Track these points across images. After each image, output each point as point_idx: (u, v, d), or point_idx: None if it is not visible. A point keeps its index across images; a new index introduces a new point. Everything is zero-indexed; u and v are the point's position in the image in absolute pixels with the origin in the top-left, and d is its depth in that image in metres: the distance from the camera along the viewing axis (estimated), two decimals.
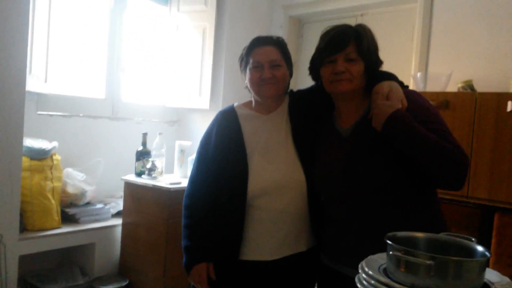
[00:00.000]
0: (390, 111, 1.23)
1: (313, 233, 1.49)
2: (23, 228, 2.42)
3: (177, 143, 3.04)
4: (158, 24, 3.44)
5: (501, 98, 2.38)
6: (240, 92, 3.37)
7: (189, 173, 2.86)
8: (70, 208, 2.72)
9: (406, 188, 1.28)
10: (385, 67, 1.45)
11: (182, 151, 2.98)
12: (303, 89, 1.64)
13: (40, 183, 2.50)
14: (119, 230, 2.83)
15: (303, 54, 3.66)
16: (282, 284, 1.50)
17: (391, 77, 1.40)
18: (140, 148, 2.84)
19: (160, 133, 2.93)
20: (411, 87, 3.03)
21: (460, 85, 2.71)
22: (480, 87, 2.68)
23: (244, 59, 1.56)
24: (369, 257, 0.86)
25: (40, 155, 2.52)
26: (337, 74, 1.33)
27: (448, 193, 2.21)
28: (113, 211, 2.92)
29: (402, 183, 1.27)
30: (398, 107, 1.25)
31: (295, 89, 1.67)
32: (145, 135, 2.87)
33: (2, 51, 2.18)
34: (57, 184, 2.62)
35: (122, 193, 3.11)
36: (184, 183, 2.67)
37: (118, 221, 2.84)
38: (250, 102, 1.63)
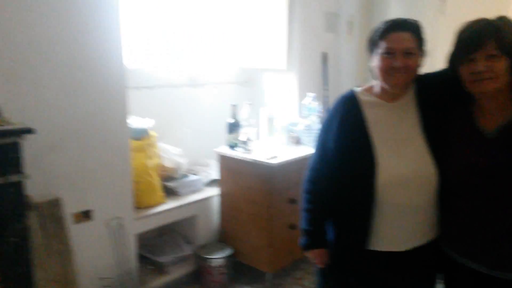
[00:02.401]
0: None
1: (438, 224, 1.47)
2: (135, 207, 2.50)
3: (264, 110, 2.98)
4: None
5: None
6: (316, 51, 3.30)
7: (277, 141, 2.92)
8: (169, 182, 2.78)
9: None
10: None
11: (270, 119, 2.93)
12: (431, 72, 1.51)
13: (143, 162, 2.55)
14: (216, 201, 2.89)
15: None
16: (407, 275, 1.50)
17: None
18: (231, 120, 2.81)
19: (248, 104, 2.87)
20: None
21: None
22: None
23: (375, 42, 1.44)
24: None
25: (141, 135, 2.54)
26: (477, 74, 1.25)
27: None
28: (206, 180, 2.98)
29: None
30: None
31: None
32: (234, 106, 2.82)
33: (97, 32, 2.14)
34: (157, 160, 2.67)
35: (209, 162, 3.16)
36: (280, 155, 2.67)
37: (213, 191, 2.90)
38: (372, 87, 1.53)
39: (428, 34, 1.50)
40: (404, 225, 1.43)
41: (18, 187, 1.69)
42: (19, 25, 1.85)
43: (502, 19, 1.28)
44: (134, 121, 2.52)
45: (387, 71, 1.40)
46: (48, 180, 2.03)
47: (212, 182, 2.97)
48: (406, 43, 1.38)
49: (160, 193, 2.65)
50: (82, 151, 2.15)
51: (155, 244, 2.80)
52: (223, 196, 2.85)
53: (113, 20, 2.19)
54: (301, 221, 1.60)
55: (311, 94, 3.05)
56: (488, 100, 1.32)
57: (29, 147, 1.73)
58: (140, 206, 2.54)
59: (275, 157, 2.63)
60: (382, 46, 1.40)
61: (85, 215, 2.20)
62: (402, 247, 1.45)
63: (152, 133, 2.64)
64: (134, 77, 2.65)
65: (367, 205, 1.42)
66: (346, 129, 1.48)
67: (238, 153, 2.74)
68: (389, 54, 1.39)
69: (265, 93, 3.43)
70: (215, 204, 2.90)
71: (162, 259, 2.66)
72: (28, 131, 1.65)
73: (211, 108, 3.18)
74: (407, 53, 1.38)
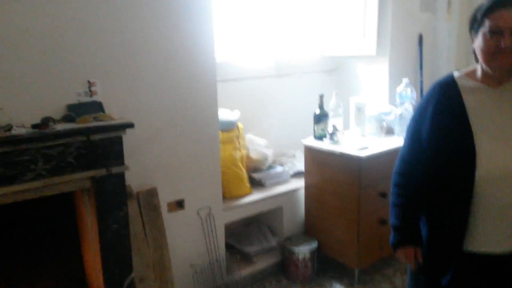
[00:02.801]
0: None
1: None
2: (222, 197, 2.56)
3: (352, 99, 2.86)
4: None
5: None
6: (411, 34, 3.07)
7: (367, 131, 2.79)
8: (256, 173, 2.81)
9: None
10: None
11: (359, 108, 2.80)
12: None
13: (231, 153, 2.59)
14: (302, 193, 2.86)
15: None
16: (507, 282, 1.35)
17: None
18: (318, 110, 2.73)
19: (336, 94, 2.77)
20: None
21: None
22: None
23: (478, 20, 1.29)
24: None
25: (229, 127, 2.58)
26: None
27: None
28: (291, 172, 2.95)
29: None
30: None
31: None
32: (321, 97, 2.73)
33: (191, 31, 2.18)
34: (243, 152, 2.70)
35: (294, 153, 3.13)
36: (371, 146, 2.55)
37: (299, 183, 2.87)
38: (474, 71, 1.37)
39: None
40: (506, 224, 1.30)
41: (120, 178, 1.81)
42: (115, 26, 1.96)
43: None
44: (223, 113, 2.57)
45: (492, 53, 1.26)
46: (144, 171, 2.15)
47: (298, 174, 2.93)
48: None
49: (247, 184, 2.68)
50: (175, 143, 2.24)
51: (242, 234, 2.85)
52: (309, 188, 2.80)
53: (206, 15, 2.23)
54: (391, 217, 1.51)
55: (405, 80, 2.85)
56: None
57: (128, 140, 1.84)
58: (227, 196, 2.59)
59: (365, 148, 2.51)
60: (487, 24, 1.26)
61: (178, 204, 2.29)
62: (502, 249, 1.32)
63: (239, 124, 2.67)
64: (221, 69, 2.69)
65: (465, 200, 1.30)
66: (443, 117, 1.36)
67: (325, 145, 2.66)
68: (495, 33, 1.24)
69: (354, 81, 3.28)
70: (301, 196, 2.86)
71: (249, 249, 2.70)
72: (130, 125, 1.76)
73: (297, 98, 3.13)
74: None
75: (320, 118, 2.74)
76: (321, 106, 2.74)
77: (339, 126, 2.72)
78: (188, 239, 2.35)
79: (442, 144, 1.35)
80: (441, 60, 3.21)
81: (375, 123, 2.79)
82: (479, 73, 1.36)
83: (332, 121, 2.74)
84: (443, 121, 1.36)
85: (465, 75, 1.39)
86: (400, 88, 2.85)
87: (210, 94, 2.33)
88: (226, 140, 2.57)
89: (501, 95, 1.33)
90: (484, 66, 1.32)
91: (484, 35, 1.27)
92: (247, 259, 2.69)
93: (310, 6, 3.15)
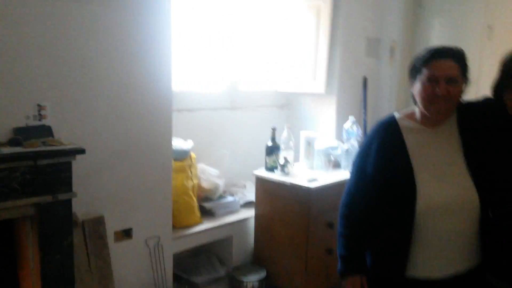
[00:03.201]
0: None
1: (481, 251, 1.43)
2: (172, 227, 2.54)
3: (303, 133, 2.98)
4: (269, 6, 3.30)
5: None
6: (356, 76, 3.29)
7: (315, 164, 2.90)
8: (206, 203, 2.81)
9: None
10: None
11: (308, 142, 2.92)
12: (474, 101, 1.51)
13: (183, 183, 2.59)
14: (252, 222, 2.89)
15: (422, 25, 3.38)
16: None
17: None
18: (270, 143, 2.82)
19: (288, 127, 2.88)
20: None
21: None
22: None
23: (417, 69, 1.44)
24: None
25: (182, 156, 2.59)
26: None
27: None
28: (242, 202, 2.99)
29: None
30: None
31: None
32: (274, 130, 2.84)
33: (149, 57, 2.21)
34: (195, 181, 2.71)
35: (245, 183, 3.17)
36: (319, 178, 2.65)
37: (249, 213, 2.90)
38: (413, 113, 1.52)
39: (474, 60, 1.49)
40: (444, 251, 1.40)
41: (67, 205, 1.76)
42: (70, 47, 1.93)
43: None
44: (176, 143, 2.58)
45: (429, 99, 1.40)
46: (92, 198, 2.09)
47: (249, 204, 2.97)
48: (449, 70, 1.38)
49: (197, 213, 2.68)
50: (127, 171, 2.21)
51: (190, 264, 2.81)
52: (259, 218, 2.84)
53: (165, 45, 2.26)
54: (338, 247, 1.58)
55: (351, 118, 3.02)
56: None
57: (77, 166, 1.80)
58: (177, 226, 2.57)
59: (314, 180, 2.61)
60: (425, 73, 1.40)
61: (126, 234, 2.24)
62: (441, 275, 1.41)
63: (192, 154, 2.69)
64: (177, 99, 2.72)
65: (407, 231, 1.40)
66: (386, 154, 1.47)
67: (276, 176, 2.74)
68: (431, 81, 1.39)
69: (305, 117, 3.43)
70: (251, 225, 2.90)
71: (197, 279, 2.66)
72: (81, 151, 1.73)
73: (250, 131, 3.20)
74: (450, 81, 1.38)
75: (272, 150, 2.83)
76: (273, 139, 2.84)
77: (290, 159, 2.81)
78: (135, 269, 2.28)
79: (385, 179, 1.45)
80: (383, 101, 3.45)
81: (323, 156, 2.92)
82: (417, 115, 1.50)
83: (283, 154, 2.83)
84: (386, 158, 1.47)
85: (405, 116, 1.53)
86: (347, 125, 3.01)
87: (165, 123, 2.34)
88: (179, 169, 2.57)
89: (437, 135, 1.46)
90: (422, 109, 1.45)
91: (422, 83, 1.41)
92: None
93: (266, 43, 3.29)
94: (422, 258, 1.42)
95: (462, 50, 1.43)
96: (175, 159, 2.53)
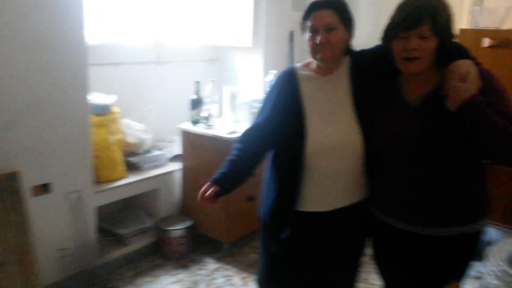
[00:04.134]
0: (466, 96, 1.27)
1: (366, 187, 1.59)
2: (95, 181, 2.57)
3: (227, 88, 3.04)
4: None
5: None
6: (283, 30, 3.33)
7: (240, 117, 2.99)
8: (132, 157, 2.85)
9: (465, 158, 1.38)
10: None
11: (232, 96, 2.99)
12: (366, 49, 1.62)
13: (105, 138, 2.60)
14: (179, 175, 2.98)
15: None
16: (335, 235, 1.61)
17: (463, 51, 1.41)
18: (194, 96, 2.86)
19: (212, 81, 2.92)
20: (467, 23, 2.93)
21: None
22: None
23: (303, 23, 1.55)
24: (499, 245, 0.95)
25: (103, 111, 2.58)
26: (408, 51, 1.34)
27: None
28: (169, 155, 3.05)
29: (463, 153, 1.37)
30: (474, 92, 1.28)
31: None
32: (197, 83, 2.87)
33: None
34: (119, 136, 2.72)
35: (173, 138, 3.22)
36: (240, 130, 2.75)
37: (176, 166, 2.98)
38: (310, 62, 1.63)
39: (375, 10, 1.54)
40: (330, 188, 1.54)
41: None
42: None
43: (438, 0, 1.36)
44: (96, 97, 2.56)
45: (313, 48, 1.51)
46: (6, 154, 2.07)
47: (176, 157, 3.04)
48: (326, 19, 1.48)
49: (122, 167, 2.72)
50: (41, 126, 2.18)
51: (117, 218, 2.88)
52: (186, 170, 2.93)
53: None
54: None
55: (273, 72, 3.11)
56: (415, 75, 1.41)
57: None
58: (101, 180, 2.60)
59: (234, 132, 2.71)
60: (307, 25, 1.51)
61: (44, 188, 2.26)
62: (326, 209, 1.56)
63: (115, 109, 2.68)
64: (97, 53, 2.67)
65: (297, 169, 1.53)
66: (282, 100, 1.58)
67: (200, 129, 2.81)
68: (313, 31, 1.49)
69: (232, 71, 3.47)
70: (178, 178, 2.98)
71: (122, 231, 2.74)
72: None
73: (176, 85, 3.21)
74: (329, 29, 1.47)
75: (196, 104, 2.88)
76: (197, 92, 2.88)
77: (214, 112, 2.88)
78: (55, 223, 2.32)
79: (279, 123, 1.56)
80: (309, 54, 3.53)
81: (247, 109, 3.01)
82: (313, 64, 1.61)
83: (208, 107, 2.89)
84: (282, 104, 1.57)
85: (303, 66, 1.63)
86: (268, 79, 3.10)
87: (79, 78, 2.31)
88: (100, 123, 2.57)
89: (329, 83, 1.58)
90: (312, 58, 1.56)
91: (308, 33, 1.52)
92: (120, 241, 2.74)
93: None
94: (311, 194, 1.55)
95: (342, 0, 1.53)
96: (96, 114, 2.53)
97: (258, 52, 3.30)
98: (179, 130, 2.92)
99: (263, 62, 3.31)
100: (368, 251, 1.67)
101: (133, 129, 2.87)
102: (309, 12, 1.51)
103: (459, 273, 1.50)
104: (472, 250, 1.47)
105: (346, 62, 1.59)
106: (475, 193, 1.43)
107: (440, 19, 1.32)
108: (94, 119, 2.52)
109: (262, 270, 1.77)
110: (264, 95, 1.70)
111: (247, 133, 1.64)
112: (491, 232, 2.61)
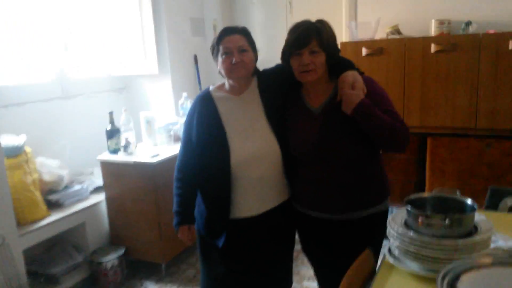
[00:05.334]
0: (357, 100, 1.56)
1: (288, 187, 1.82)
2: (18, 224, 2.48)
3: (142, 114, 3.14)
4: None
5: (425, 41, 2.85)
6: (187, 54, 3.54)
7: (158, 141, 3.11)
8: (52, 195, 2.79)
9: (362, 152, 1.66)
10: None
11: (148, 121, 3.10)
12: (268, 68, 1.86)
13: (21, 179, 2.53)
14: (103, 205, 2.98)
15: (240, 3, 3.78)
16: (267, 236, 1.82)
17: (349, 64, 1.71)
18: (109, 126, 2.91)
19: (125, 110, 3.00)
20: (345, 36, 3.42)
21: (388, 30, 3.11)
22: (406, 30, 3.11)
23: (215, 47, 1.74)
24: (394, 214, 1.25)
25: (15, 152, 2.52)
26: (304, 66, 1.60)
27: None
28: (90, 188, 3.04)
29: (360, 149, 1.65)
30: (362, 96, 1.58)
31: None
32: (111, 113, 2.93)
33: None
34: (35, 175, 2.66)
35: (92, 170, 3.21)
36: (162, 153, 2.87)
37: (99, 197, 2.98)
38: (223, 84, 1.83)
39: (282, 31, 1.79)
40: (258, 194, 1.74)
41: None
42: None
43: (321, 22, 1.64)
44: (6, 139, 2.49)
45: (229, 68, 1.69)
46: None
47: (97, 189, 3.04)
48: (239, 42, 1.69)
49: (43, 206, 2.65)
50: None
51: (46, 258, 2.78)
52: (109, 200, 2.95)
53: None
54: (173, 205, 1.84)
55: (184, 94, 3.29)
56: (312, 86, 1.68)
57: None
58: (23, 222, 2.53)
59: (156, 155, 2.82)
60: (221, 48, 1.70)
61: None
62: (254, 212, 1.76)
63: (27, 148, 2.63)
64: (0, 95, 2.60)
65: (226, 182, 1.71)
66: (204, 122, 1.75)
67: (121, 157, 2.86)
68: (227, 53, 1.68)
69: (143, 98, 3.58)
70: (103, 209, 2.98)
71: (53, 270, 2.67)
72: None
73: (88, 118, 3.22)
74: (242, 50, 1.69)
75: (112, 133, 2.93)
76: (112, 122, 2.93)
77: (132, 139, 2.96)
78: None
79: (205, 144, 1.74)
80: (215, 74, 3.76)
81: (164, 133, 3.14)
82: (226, 85, 1.80)
83: (125, 135, 2.96)
84: (204, 126, 1.74)
85: (217, 88, 1.82)
86: (181, 101, 3.27)
87: None
88: (13, 166, 2.50)
89: (243, 101, 1.77)
90: (227, 79, 1.75)
91: (222, 56, 1.70)
92: (53, 281, 2.66)
93: (95, 27, 3.27)
94: (242, 202, 1.74)
95: (245, 27, 1.76)
96: (8, 156, 2.46)
97: (165, 78, 3.46)
98: (98, 161, 2.94)
99: (172, 86, 3.47)
100: (297, 247, 1.90)
101: (48, 166, 2.82)
102: (222, 36, 1.70)
103: (375, 247, 1.71)
104: (382, 227, 1.70)
105: (254, 81, 1.80)
106: (377, 179, 1.70)
107: (325, 36, 1.61)
108: (7, 162, 2.45)
109: (204, 283, 1.92)
110: (185, 120, 1.84)
111: (181, 168, 1.82)
112: (393, 211, 3.04)
